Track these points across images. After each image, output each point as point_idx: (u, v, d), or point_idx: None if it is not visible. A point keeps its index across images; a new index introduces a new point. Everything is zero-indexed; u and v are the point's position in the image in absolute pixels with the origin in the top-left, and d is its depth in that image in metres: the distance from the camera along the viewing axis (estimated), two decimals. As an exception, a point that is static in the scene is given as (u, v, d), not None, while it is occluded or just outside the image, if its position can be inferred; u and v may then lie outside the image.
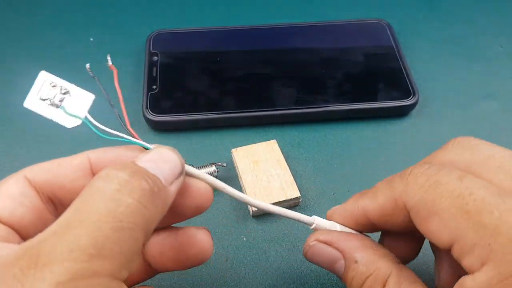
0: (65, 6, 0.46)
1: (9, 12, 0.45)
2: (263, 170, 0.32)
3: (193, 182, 0.20)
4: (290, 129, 0.36)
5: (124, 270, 0.15)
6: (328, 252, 0.22)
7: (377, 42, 0.41)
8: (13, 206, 0.18)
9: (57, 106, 0.20)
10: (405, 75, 0.38)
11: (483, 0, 0.47)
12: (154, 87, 0.37)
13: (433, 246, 0.23)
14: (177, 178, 0.19)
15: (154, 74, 0.38)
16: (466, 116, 0.37)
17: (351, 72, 0.38)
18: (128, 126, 0.21)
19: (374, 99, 0.36)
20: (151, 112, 0.35)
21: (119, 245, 0.15)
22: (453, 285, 0.19)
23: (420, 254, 0.23)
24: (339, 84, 0.37)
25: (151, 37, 0.41)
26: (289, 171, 0.32)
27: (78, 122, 0.20)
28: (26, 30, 0.44)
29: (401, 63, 0.39)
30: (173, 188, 0.18)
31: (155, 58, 0.39)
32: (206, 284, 0.28)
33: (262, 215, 0.31)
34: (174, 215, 0.21)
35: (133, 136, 0.20)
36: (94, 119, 0.21)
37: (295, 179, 0.31)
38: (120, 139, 0.20)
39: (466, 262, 0.17)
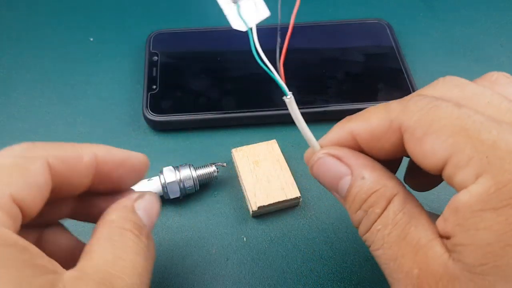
0: (65, 6, 0.46)
1: (9, 12, 0.45)
2: (263, 170, 0.32)
3: (130, 155, 0.22)
4: (290, 129, 0.36)
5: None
6: (336, 166, 0.21)
7: (377, 42, 0.41)
8: (38, 195, 0.19)
9: (235, 2, 0.21)
10: (405, 75, 0.38)
11: None
12: (154, 87, 0.37)
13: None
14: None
15: (154, 74, 0.38)
16: (466, 116, 0.37)
17: (351, 72, 0.38)
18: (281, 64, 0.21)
19: (374, 99, 0.36)
20: (151, 112, 0.35)
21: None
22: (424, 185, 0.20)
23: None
24: (339, 84, 0.37)
25: (151, 37, 0.41)
26: (289, 171, 0.32)
27: (244, 28, 0.21)
28: (26, 30, 0.44)
29: (401, 63, 0.39)
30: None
31: (155, 58, 0.39)
32: (206, 284, 0.28)
33: (262, 215, 0.31)
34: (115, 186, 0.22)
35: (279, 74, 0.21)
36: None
37: (295, 179, 0.31)
38: (265, 67, 0.21)
39: (459, 178, 0.17)
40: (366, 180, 0.20)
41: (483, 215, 0.16)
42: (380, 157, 0.21)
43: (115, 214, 0.20)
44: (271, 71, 0.21)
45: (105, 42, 0.43)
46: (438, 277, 0.17)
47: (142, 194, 0.22)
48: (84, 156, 0.20)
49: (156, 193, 0.24)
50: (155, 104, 0.36)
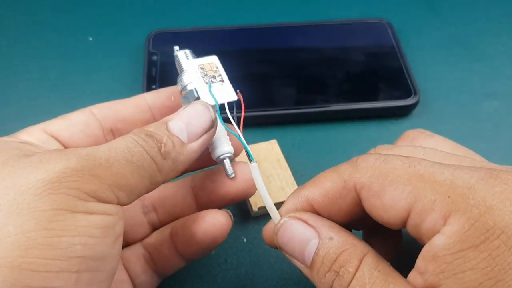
0: (65, 5, 0.46)
1: (9, 12, 0.45)
2: (264, 170, 0.32)
3: (210, 214, 0.23)
4: (290, 129, 0.36)
5: (120, 192, 0.18)
6: (302, 229, 0.20)
7: (378, 41, 0.40)
8: (73, 131, 0.23)
9: (206, 82, 0.24)
10: (406, 75, 0.38)
11: (484, -1, 0.47)
12: (154, 86, 0.37)
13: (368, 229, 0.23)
14: (206, 131, 0.21)
15: (153, 74, 0.38)
16: (467, 116, 0.37)
17: (352, 72, 0.38)
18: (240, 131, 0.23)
19: (375, 98, 0.36)
20: (151, 112, 0.35)
21: (123, 171, 0.18)
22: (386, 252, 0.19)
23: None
24: (340, 83, 0.37)
25: (150, 37, 0.41)
26: (289, 171, 0.32)
27: (212, 102, 0.23)
28: (26, 30, 0.44)
29: (402, 62, 0.38)
30: (198, 143, 0.21)
31: (155, 57, 0.39)
32: (206, 284, 0.28)
33: (262, 215, 0.31)
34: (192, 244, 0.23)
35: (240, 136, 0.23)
36: (222, 112, 0.23)
37: (295, 180, 0.31)
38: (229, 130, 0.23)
39: (427, 224, 0.17)
40: (334, 240, 0.19)
41: (465, 255, 0.16)
42: (339, 220, 0.21)
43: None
44: (240, 137, 0.23)
45: (105, 42, 0.43)
46: None
47: (187, 105, 0.22)
48: (132, 99, 0.25)
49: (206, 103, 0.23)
50: (155, 104, 0.36)
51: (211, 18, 0.45)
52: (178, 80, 0.24)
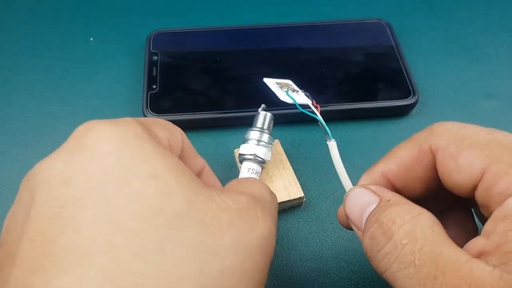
0: (65, 6, 0.46)
1: (9, 12, 0.45)
2: (266, 169, 0.32)
3: None
4: (290, 129, 0.36)
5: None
6: (366, 196, 0.19)
7: (377, 41, 0.41)
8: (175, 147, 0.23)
9: (284, 90, 0.30)
10: (405, 75, 0.38)
11: (483, -1, 0.47)
12: (154, 86, 0.37)
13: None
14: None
15: (154, 74, 0.38)
16: (466, 116, 0.37)
17: (351, 72, 0.38)
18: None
19: (374, 98, 0.36)
20: (151, 112, 0.35)
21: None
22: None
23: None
24: (339, 83, 0.37)
25: (151, 37, 0.41)
26: (292, 171, 0.32)
27: (290, 100, 0.29)
28: (26, 30, 0.44)
29: (401, 62, 0.39)
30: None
31: (155, 57, 0.39)
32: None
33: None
34: None
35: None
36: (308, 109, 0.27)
37: (297, 179, 0.31)
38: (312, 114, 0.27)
39: (501, 186, 0.16)
40: (392, 200, 0.18)
41: None
42: (414, 190, 0.21)
43: None
44: (320, 119, 0.26)
45: (105, 42, 0.43)
46: None
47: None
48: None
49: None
50: (155, 103, 0.36)
51: (211, 18, 0.45)
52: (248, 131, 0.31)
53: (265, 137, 0.30)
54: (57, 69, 0.41)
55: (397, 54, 0.39)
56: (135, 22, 0.45)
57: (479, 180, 0.17)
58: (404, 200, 0.18)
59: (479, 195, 0.18)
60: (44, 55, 0.42)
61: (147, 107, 0.35)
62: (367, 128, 0.36)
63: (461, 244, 0.20)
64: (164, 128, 0.22)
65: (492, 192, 0.17)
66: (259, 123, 0.30)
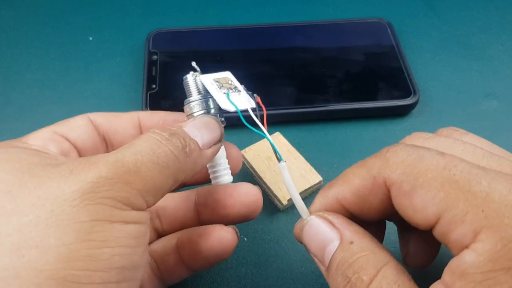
0: (65, 5, 0.46)
1: (9, 12, 0.45)
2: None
3: (241, 188, 0.24)
4: (290, 129, 0.36)
5: (149, 196, 0.18)
6: (326, 230, 0.19)
7: (377, 41, 0.41)
8: (78, 132, 0.23)
9: (223, 92, 0.24)
10: (406, 74, 0.38)
11: (484, -1, 0.47)
12: (154, 86, 0.37)
13: (402, 226, 0.22)
14: (215, 144, 0.22)
15: (153, 73, 0.38)
16: (466, 115, 0.37)
17: (351, 72, 0.38)
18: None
19: (374, 98, 0.36)
20: (151, 112, 0.35)
21: (151, 174, 0.18)
22: (421, 258, 0.19)
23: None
24: (340, 83, 0.37)
25: (150, 36, 0.41)
26: (303, 158, 0.32)
27: (232, 108, 0.24)
28: (26, 30, 0.44)
29: (401, 62, 0.39)
30: (209, 152, 0.22)
31: (155, 57, 0.39)
32: (206, 284, 0.28)
33: (289, 208, 0.31)
34: (222, 217, 0.24)
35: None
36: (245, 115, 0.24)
37: (310, 164, 0.32)
38: (257, 131, 0.24)
39: (455, 235, 0.16)
40: (354, 244, 0.18)
41: (496, 277, 0.15)
42: (371, 218, 0.20)
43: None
44: (267, 136, 0.23)
45: (105, 42, 0.43)
46: None
47: (195, 117, 0.23)
48: (126, 114, 0.25)
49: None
50: (155, 103, 0.36)
51: (211, 18, 0.45)
52: (186, 104, 0.24)
53: (211, 102, 0.24)
54: (56, 68, 0.40)
55: (398, 53, 0.39)
56: (134, 21, 0.45)
57: (436, 223, 0.17)
58: (366, 243, 0.18)
59: (436, 235, 0.17)
60: (43, 55, 0.41)
61: (146, 106, 0.35)
62: (367, 127, 0.36)
63: (423, 260, 0.20)
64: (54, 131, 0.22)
65: (448, 238, 0.16)
66: (194, 91, 0.25)
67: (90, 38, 0.43)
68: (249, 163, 0.32)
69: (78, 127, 0.23)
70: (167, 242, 0.25)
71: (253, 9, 0.46)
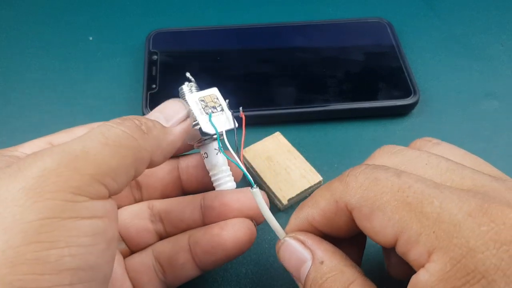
0: (65, 5, 0.46)
1: (9, 12, 0.45)
2: (279, 163, 0.32)
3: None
4: (290, 128, 0.36)
5: (108, 179, 0.17)
6: (300, 251, 0.21)
7: (377, 41, 0.41)
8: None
9: (206, 113, 0.25)
10: (406, 74, 0.38)
11: (484, -1, 0.47)
12: (154, 86, 0.37)
13: None
14: (183, 120, 0.22)
15: (153, 73, 0.38)
16: (466, 115, 0.37)
17: (351, 71, 0.38)
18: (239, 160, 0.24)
19: (374, 98, 0.36)
20: (151, 112, 0.35)
21: (102, 156, 0.17)
22: (403, 269, 0.19)
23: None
24: (340, 83, 0.37)
25: (150, 36, 0.41)
26: (303, 158, 0.32)
27: (212, 131, 0.24)
28: (26, 30, 0.44)
29: (401, 62, 0.39)
30: (178, 128, 0.22)
31: (155, 57, 0.39)
32: (206, 284, 0.28)
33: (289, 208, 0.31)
34: (216, 250, 0.23)
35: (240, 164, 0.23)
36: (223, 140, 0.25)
37: (311, 164, 0.32)
38: (234, 162, 0.24)
39: (413, 255, 0.17)
40: (324, 265, 0.20)
41: None
42: (342, 236, 0.21)
43: None
44: (240, 165, 0.23)
45: (105, 41, 0.43)
46: None
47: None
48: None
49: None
50: (155, 103, 0.36)
51: (211, 18, 0.45)
52: None
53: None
54: (56, 68, 0.40)
55: (398, 53, 0.39)
56: (134, 21, 0.45)
57: (395, 243, 0.18)
58: (335, 262, 0.20)
59: (399, 253, 0.18)
60: (43, 55, 0.41)
61: (146, 106, 0.35)
62: (367, 127, 0.36)
63: (406, 271, 0.20)
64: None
65: (408, 256, 0.17)
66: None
67: (90, 38, 0.43)
68: (249, 163, 0.32)
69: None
70: (176, 242, 0.25)
71: (253, 9, 0.46)
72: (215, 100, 0.26)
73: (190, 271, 0.24)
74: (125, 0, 0.47)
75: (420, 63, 0.41)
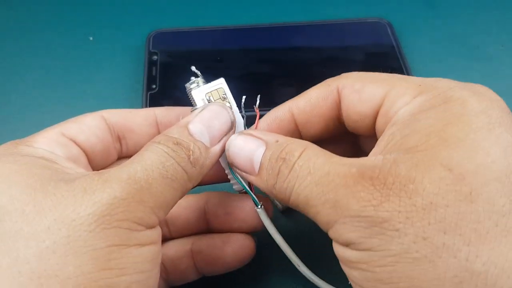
0: (65, 5, 0.46)
1: (10, 12, 0.45)
2: None
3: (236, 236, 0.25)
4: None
5: (160, 211, 0.18)
6: (248, 141, 0.21)
7: (377, 41, 0.41)
8: (88, 134, 0.23)
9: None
10: (406, 74, 0.38)
11: (484, -1, 0.47)
12: (154, 86, 0.37)
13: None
14: (226, 134, 0.22)
15: (153, 74, 0.38)
16: (467, 116, 0.37)
17: (351, 71, 0.38)
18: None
19: (374, 98, 0.36)
20: (151, 112, 0.35)
21: (162, 189, 0.18)
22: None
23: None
24: (340, 83, 0.37)
25: (150, 36, 0.41)
26: None
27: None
28: (26, 30, 0.44)
29: (401, 62, 0.39)
30: (218, 147, 0.22)
31: (155, 57, 0.39)
32: (206, 284, 0.28)
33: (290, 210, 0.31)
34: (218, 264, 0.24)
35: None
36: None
37: None
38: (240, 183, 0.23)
39: (398, 104, 0.19)
40: (280, 140, 0.20)
41: (425, 113, 0.18)
42: (315, 129, 0.23)
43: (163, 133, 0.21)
44: (245, 187, 0.23)
45: (105, 41, 0.43)
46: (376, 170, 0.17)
47: (203, 106, 0.23)
48: (142, 111, 0.25)
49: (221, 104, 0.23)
50: (155, 103, 0.36)
51: (211, 18, 0.45)
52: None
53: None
54: (56, 68, 0.40)
55: (398, 53, 0.39)
56: (135, 21, 0.45)
57: (380, 107, 0.20)
58: (289, 138, 0.21)
59: (379, 122, 0.20)
60: (43, 55, 0.41)
61: (146, 106, 0.35)
62: (367, 128, 0.36)
63: None
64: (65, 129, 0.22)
65: (390, 113, 0.20)
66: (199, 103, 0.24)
67: (90, 38, 0.43)
68: None
69: (89, 128, 0.23)
70: (180, 246, 0.25)
71: (253, 9, 0.46)
72: (223, 94, 0.25)
73: (191, 275, 0.25)
74: (125, 0, 0.47)
75: (420, 63, 0.41)
